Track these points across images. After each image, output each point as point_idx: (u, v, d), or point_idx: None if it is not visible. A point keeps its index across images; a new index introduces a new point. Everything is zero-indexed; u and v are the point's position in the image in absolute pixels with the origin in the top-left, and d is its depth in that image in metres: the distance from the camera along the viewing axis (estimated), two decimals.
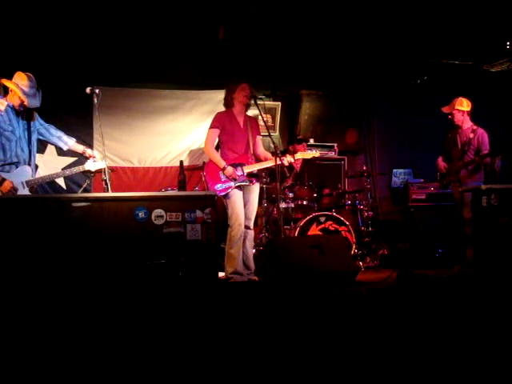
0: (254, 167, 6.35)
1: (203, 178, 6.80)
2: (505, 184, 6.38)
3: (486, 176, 7.06)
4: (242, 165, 6.28)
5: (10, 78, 5.63)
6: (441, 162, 7.37)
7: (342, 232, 7.51)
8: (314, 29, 7.49)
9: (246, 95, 6.32)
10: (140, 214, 4.90)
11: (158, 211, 4.94)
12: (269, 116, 8.94)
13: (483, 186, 5.99)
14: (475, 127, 7.17)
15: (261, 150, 6.56)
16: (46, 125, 5.95)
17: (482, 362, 3.48)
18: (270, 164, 6.40)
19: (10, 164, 5.58)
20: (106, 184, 5.48)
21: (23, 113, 5.71)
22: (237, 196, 6.26)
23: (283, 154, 6.85)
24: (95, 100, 5.58)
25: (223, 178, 6.24)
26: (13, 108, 5.64)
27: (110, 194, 5.39)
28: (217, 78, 8.26)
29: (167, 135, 8.51)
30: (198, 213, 5.04)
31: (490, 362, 3.47)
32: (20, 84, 5.56)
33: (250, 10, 6.83)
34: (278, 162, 6.10)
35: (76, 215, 4.86)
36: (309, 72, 8.81)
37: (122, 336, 3.93)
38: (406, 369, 3.43)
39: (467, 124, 7.22)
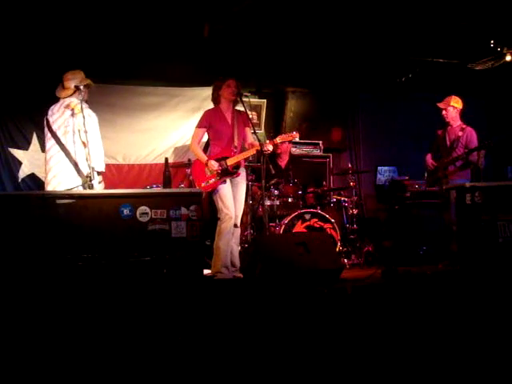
0: (237, 158, 6.35)
1: (190, 178, 6.79)
2: (489, 182, 6.42)
3: (472, 174, 7.10)
4: (225, 158, 6.29)
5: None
6: (429, 159, 7.41)
7: (327, 229, 7.51)
8: (300, 26, 7.50)
9: (232, 92, 6.31)
10: (125, 211, 4.89)
11: (143, 208, 4.93)
12: (254, 113, 8.94)
13: (467, 184, 6.02)
14: (464, 126, 7.24)
15: (250, 141, 6.55)
16: None
17: (466, 356, 3.50)
18: (251, 153, 6.41)
19: None
20: (91, 181, 5.46)
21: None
22: (225, 189, 6.26)
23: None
24: (80, 97, 5.56)
25: (208, 174, 6.25)
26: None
27: (95, 191, 5.37)
28: (202, 75, 8.25)
29: (152, 132, 8.49)
30: (183, 210, 5.04)
31: (475, 356, 3.50)
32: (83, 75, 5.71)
33: (235, 7, 6.82)
34: (259, 148, 6.14)
35: (60, 212, 4.83)
36: (294, 69, 8.81)
37: (106, 333, 3.92)
38: (390, 365, 3.44)
39: (457, 122, 7.29)
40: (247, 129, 6.54)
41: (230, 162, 6.29)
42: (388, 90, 9.69)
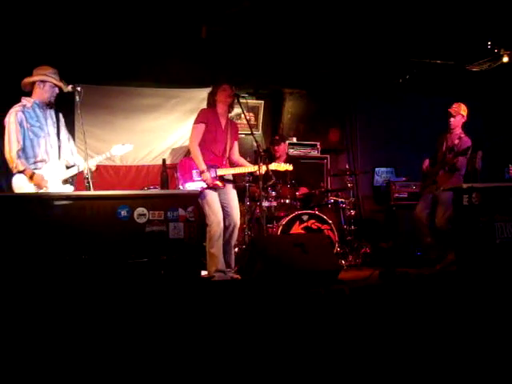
0: (228, 171, 6.34)
1: (175, 175, 6.71)
2: (486, 183, 6.43)
3: (467, 177, 7.10)
4: (215, 166, 6.27)
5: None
6: (426, 163, 7.40)
7: (325, 230, 7.51)
8: (297, 27, 7.50)
9: (228, 95, 6.30)
10: (122, 212, 4.88)
11: (141, 210, 4.93)
12: (251, 114, 8.95)
13: (464, 185, 6.02)
14: (462, 135, 7.22)
15: (237, 157, 6.56)
16: (68, 134, 6.05)
17: (464, 357, 3.51)
18: (244, 170, 6.44)
19: (40, 161, 5.60)
20: (88, 182, 5.45)
21: (51, 109, 5.79)
22: (212, 195, 6.22)
23: (266, 152, 6.88)
24: (77, 98, 5.56)
25: (196, 178, 6.22)
26: (39, 105, 5.70)
27: (92, 192, 5.36)
28: (200, 76, 8.25)
29: (149, 134, 8.48)
30: (181, 211, 5.04)
31: (473, 357, 3.50)
32: (47, 73, 5.67)
33: (232, 9, 6.82)
34: (254, 169, 6.25)
35: (58, 213, 4.82)
36: (291, 71, 8.81)
37: (104, 334, 3.91)
38: (388, 366, 3.44)
39: (458, 130, 7.26)
40: (235, 142, 6.56)
41: (221, 172, 6.27)
42: (385, 91, 9.69)
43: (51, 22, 6.80)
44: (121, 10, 6.73)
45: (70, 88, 5.58)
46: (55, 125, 5.79)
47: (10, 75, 6.60)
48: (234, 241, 6.41)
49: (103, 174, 8.06)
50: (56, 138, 5.77)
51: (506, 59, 8.34)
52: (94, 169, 5.84)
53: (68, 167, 5.81)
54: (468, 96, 8.60)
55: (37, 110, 5.67)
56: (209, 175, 6.16)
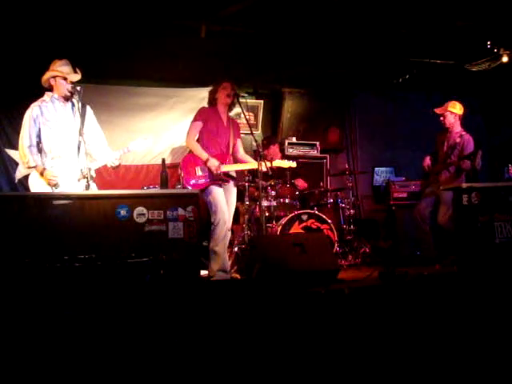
0: (232, 167, 6.32)
1: (179, 171, 6.72)
2: (485, 182, 6.43)
3: (466, 176, 7.09)
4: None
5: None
6: (427, 160, 7.36)
7: (324, 230, 7.50)
8: (296, 27, 7.49)
9: (228, 94, 6.29)
10: (122, 211, 4.88)
11: (140, 209, 4.93)
12: (251, 114, 8.95)
13: (464, 185, 6.02)
14: (463, 133, 7.18)
15: (241, 154, 6.53)
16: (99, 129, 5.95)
17: (464, 357, 3.51)
18: (247, 167, 6.41)
19: (58, 157, 5.55)
20: (88, 182, 5.44)
21: (73, 102, 5.69)
22: (219, 193, 6.21)
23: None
24: (76, 97, 5.55)
25: (199, 173, 6.21)
26: (59, 99, 5.66)
27: (92, 191, 5.36)
28: (199, 75, 8.25)
29: (149, 133, 8.39)
30: (180, 211, 5.03)
31: (473, 357, 3.50)
32: (56, 67, 5.65)
33: (231, 8, 6.81)
34: (257, 166, 6.15)
35: (57, 213, 4.81)
36: (291, 70, 8.81)
37: (103, 334, 3.91)
38: (388, 366, 3.44)
39: (457, 128, 7.23)
40: (239, 140, 6.53)
41: (225, 169, 6.24)
42: (385, 90, 9.70)
43: (49, 20, 6.78)
44: (119, 9, 6.72)
45: (69, 88, 5.57)
46: (78, 119, 5.58)
47: (10, 76, 6.63)
48: (227, 243, 6.37)
49: (102, 174, 8.02)
50: (77, 133, 5.57)
51: (505, 59, 8.33)
52: (117, 163, 5.78)
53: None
54: (468, 95, 8.60)
55: (56, 104, 5.65)
56: (216, 162, 6.13)
